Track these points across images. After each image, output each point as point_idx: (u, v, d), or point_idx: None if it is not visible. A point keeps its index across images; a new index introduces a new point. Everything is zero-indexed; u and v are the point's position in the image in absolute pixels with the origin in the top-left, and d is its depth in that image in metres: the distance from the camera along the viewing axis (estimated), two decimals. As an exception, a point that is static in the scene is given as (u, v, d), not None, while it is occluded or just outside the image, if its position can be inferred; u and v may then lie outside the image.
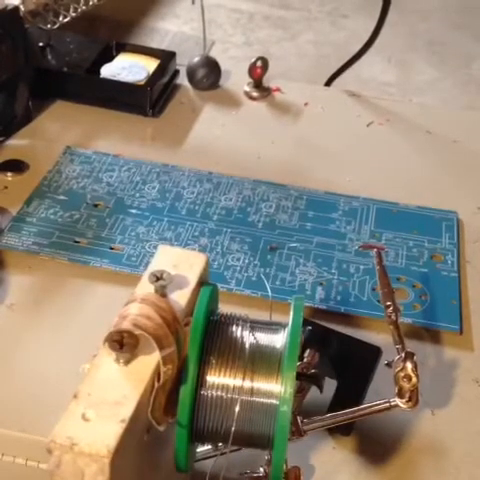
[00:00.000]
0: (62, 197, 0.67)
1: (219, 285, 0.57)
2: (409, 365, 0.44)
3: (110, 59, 0.83)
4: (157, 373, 0.35)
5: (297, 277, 0.60)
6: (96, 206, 0.66)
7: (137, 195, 0.67)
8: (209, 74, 0.84)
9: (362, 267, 0.61)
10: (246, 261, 0.61)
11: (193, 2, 0.86)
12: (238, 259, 0.61)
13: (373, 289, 0.59)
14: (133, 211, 0.66)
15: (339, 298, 0.58)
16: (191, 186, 0.69)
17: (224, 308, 0.41)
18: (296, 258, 0.62)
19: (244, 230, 0.64)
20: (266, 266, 0.61)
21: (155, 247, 0.61)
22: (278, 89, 0.86)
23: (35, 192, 0.67)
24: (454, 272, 0.61)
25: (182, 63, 0.85)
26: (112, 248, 0.62)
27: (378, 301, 0.57)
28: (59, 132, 0.76)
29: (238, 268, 0.60)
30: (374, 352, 0.51)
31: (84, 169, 0.70)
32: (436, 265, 0.62)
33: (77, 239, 0.62)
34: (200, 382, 0.36)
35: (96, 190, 0.68)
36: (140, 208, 0.66)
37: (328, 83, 0.96)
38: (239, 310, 0.40)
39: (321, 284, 0.59)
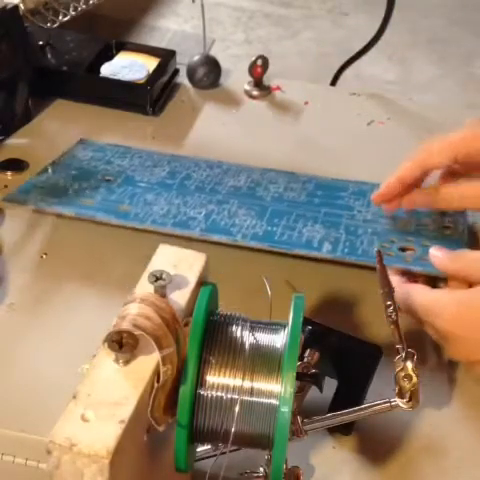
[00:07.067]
0: (73, 172, 0.67)
1: (224, 237, 0.57)
2: (409, 365, 0.44)
3: (110, 58, 0.83)
4: (156, 373, 0.35)
5: (304, 235, 0.59)
6: (106, 180, 0.66)
7: (147, 174, 0.68)
8: (209, 73, 0.84)
9: (370, 230, 0.60)
10: (253, 222, 0.61)
11: (193, 0, 0.86)
12: (245, 220, 0.61)
13: (381, 246, 0.58)
14: (143, 184, 0.66)
15: (346, 250, 0.58)
16: (201, 170, 0.69)
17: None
18: (304, 222, 0.61)
19: (252, 201, 0.64)
20: (273, 226, 0.60)
21: (162, 209, 0.62)
22: (278, 88, 0.86)
23: (44, 169, 0.67)
24: (464, 236, 0.60)
25: (182, 62, 0.85)
26: (119, 208, 0.62)
27: (388, 254, 0.57)
28: (59, 131, 0.76)
29: (245, 225, 0.60)
30: (374, 352, 0.51)
31: (96, 155, 0.71)
32: (445, 231, 0.61)
33: (86, 200, 0.63)
34: (200, 382, 0.36)
35: (107, 169, 0.68)
36: (150, 182, 0.66)
37: (333, 82, 0.97)
38: (239, 310, 0.40)
39: (329, 240, 0.59)
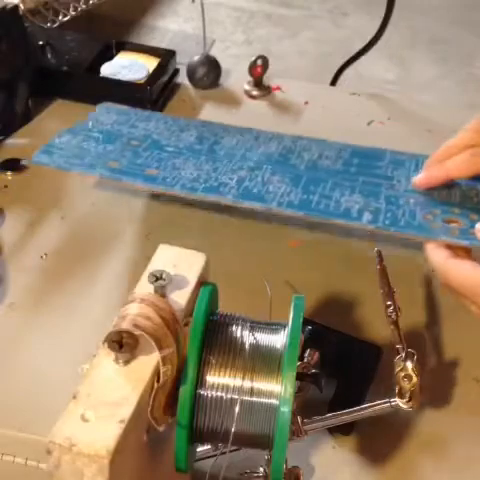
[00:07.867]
0: (96, 134, 0.64)
1: (258, 204, 0.55)
2: (409, 365, 0.44)
3: (110, 58, 0.83)
4: (157, 373, 0.35)
5: (342, 204, 0.56)
6: (131, 144, 0.63)
7: (174, 139, 0.65)
8: (209, 73, 0.84)
9: (412, 200, 0.57)
10: (288, 190, 0.58)
11: (193, 0, 0.86)
12: (279, 188, 0.58)
13: (424, 218, 0.54)
14: (170, 149, 0.63)
15: (388, 222, 0.54)
16: (230, 136, 0.67)
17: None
18: (341, 190, 0.58)
19: (285, 169, 0.61)
20: (309, 193, 0.57)
21: (191, 174, 0.59)
22: (278, 88, 0.86)
23: (65, 130, 0.65)
24: None
25: (182, 62, 0.85)
26: (147, 171, 0.59)
27: (433, 227, 0.54)
28: (59, 131, 0.76)
29: (280, 193, 0.57)
30: (375, 352, 0.51)
31: (120, 118, 0.68)
32: None
33: (111, 163, 0.60)
34: (200, 382, 0.36)
35: (132, 133, 0.66)
36: (177, 147, 0.63)
37: (333, 82, 0.97)
38: (239, 310, 0.40)
39: (368, 210, 0.55)
